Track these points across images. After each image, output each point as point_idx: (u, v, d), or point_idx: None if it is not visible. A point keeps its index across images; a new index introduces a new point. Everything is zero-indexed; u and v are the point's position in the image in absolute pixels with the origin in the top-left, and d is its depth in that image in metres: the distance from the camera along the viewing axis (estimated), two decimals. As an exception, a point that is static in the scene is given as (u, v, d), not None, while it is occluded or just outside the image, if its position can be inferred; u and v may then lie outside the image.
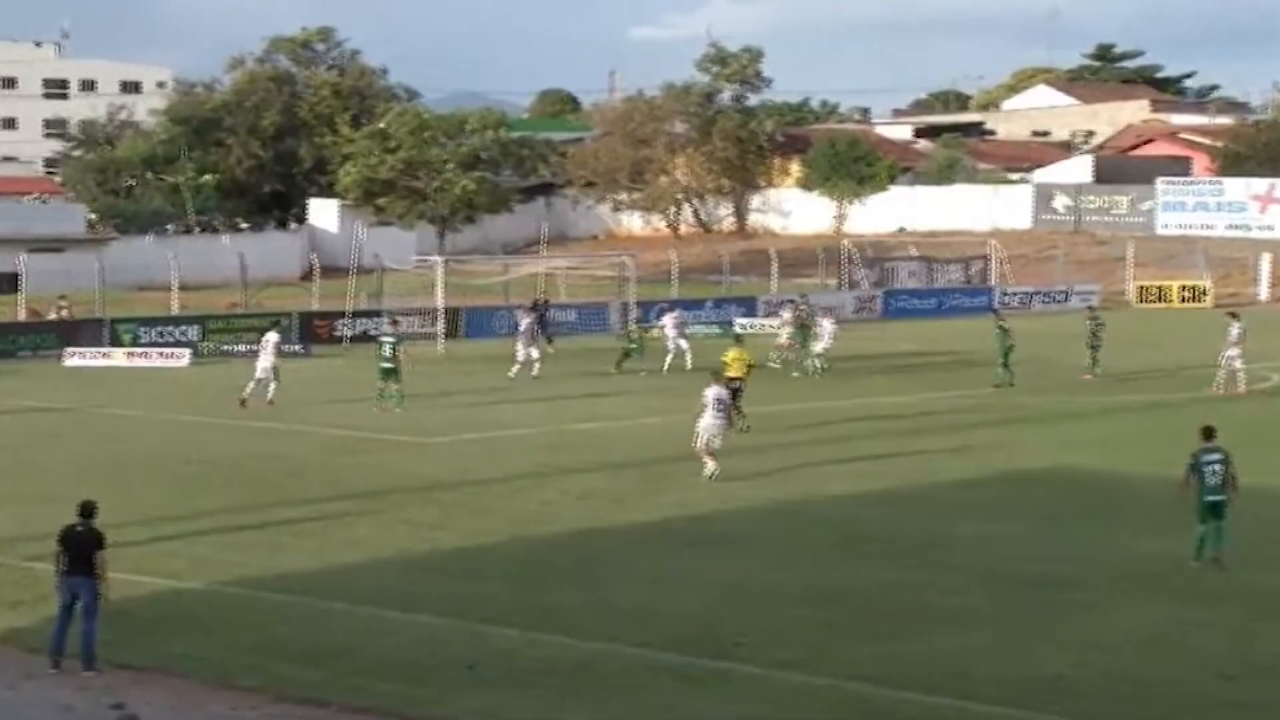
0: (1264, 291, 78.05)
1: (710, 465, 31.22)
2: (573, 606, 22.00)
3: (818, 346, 48.24)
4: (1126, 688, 18.77)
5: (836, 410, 40.75)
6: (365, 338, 56.90)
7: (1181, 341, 55.23)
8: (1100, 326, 48.04)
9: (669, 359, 48.50)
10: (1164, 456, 34.07)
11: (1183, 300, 75.52)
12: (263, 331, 55.64)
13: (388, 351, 40.88)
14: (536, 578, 23.66)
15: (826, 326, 48.76)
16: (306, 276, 72.07)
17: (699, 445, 31.37)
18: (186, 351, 52.88)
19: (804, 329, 49.86)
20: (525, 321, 48.72)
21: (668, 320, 50.79)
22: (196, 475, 31.76)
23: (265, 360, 42.16)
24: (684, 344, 48.97)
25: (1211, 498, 24.41)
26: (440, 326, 56.52)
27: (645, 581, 23.47)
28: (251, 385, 41.32)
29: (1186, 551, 24.90)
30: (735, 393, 35.30)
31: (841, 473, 32.11)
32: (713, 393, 31.74)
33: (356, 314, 58.62)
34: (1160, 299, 75.88)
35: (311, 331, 57.21)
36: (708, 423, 31.35)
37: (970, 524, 27.45)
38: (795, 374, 47.28)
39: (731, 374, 35.95)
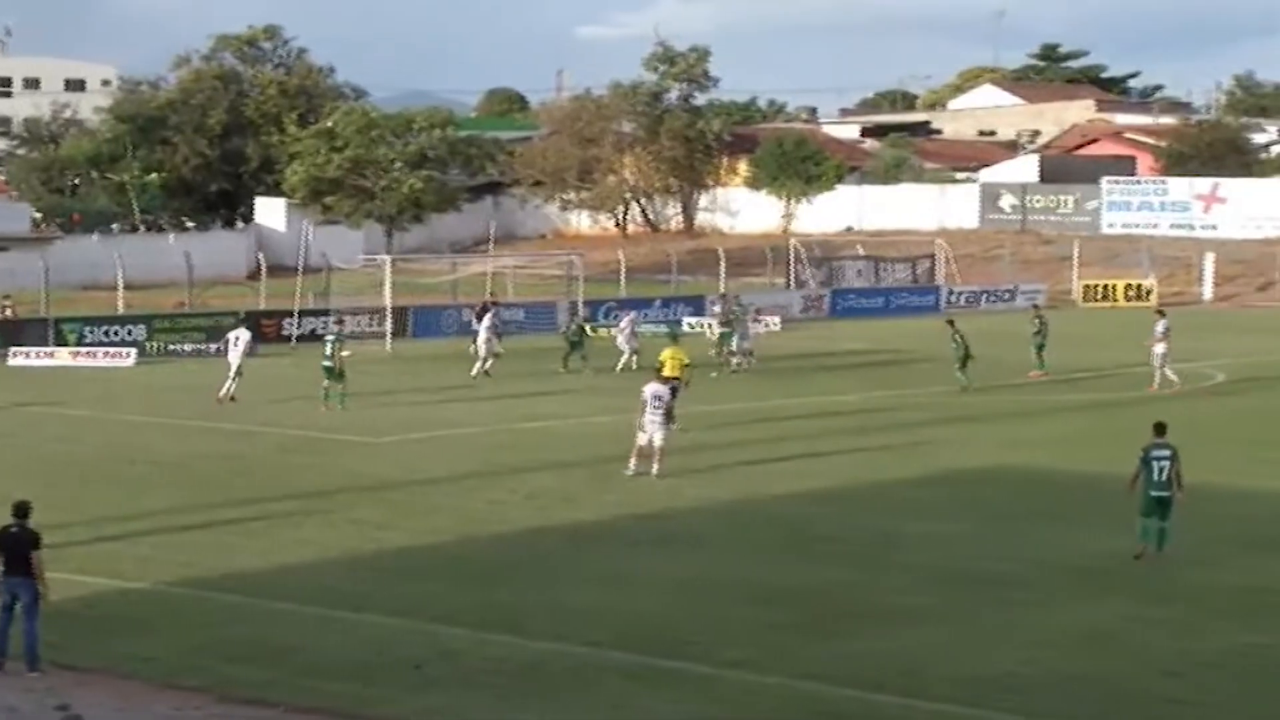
0: (1208, 291, 78.59)
1: (634, 464, 31.34)
2: (521, 606, 21.97)
3: (735, 344, 48.27)
4: (1073, 684, 18.86)
5: (785, 409, 40.83)
6: (313, 337, 56.65)
7: (1126, 341, 55.46)
8: (1045, 325, 48.41)
9: (622, 360, 48.36)
10: (1109, 455, 34.28)
11: (1128, 299, 75.94)
12: (216, 331, 55.60)
13: (328, 350, 40.83)
14: (485, 577, 23.61)
15: (751, 327, 48.81)
16: (253, 276, 71.68)
17: (638, 443, 31.50)
18: (132, 351, 52.55)
19: (728, 325, 49.43)
20: (486, 321, 48.16)
21: (625, 322, 50.54)
22: (142, 475, 31.59)
23: (235, 357, 42.32)
24: (634, 345, 48.78)
25: (1156, 493, 24.71)
26: (388, 326, 56.35)
27: (594, 581, 23.46)
28: (230, 383, 41.56)
29: (1130, 548, 25.19)
30: (672, 392, 35.48)
31: (791, 471, 32.16)
32: (650, 390, 31.90)
33: (304, 313, 58.36)
34: (1106, 298, 76.27)
35: (258, 331, 56.84)
36: (646, 420, 31.46)
37: (918, 523, 27.54)
38: (713, 374, 45.89)
39: (667, 374, 36.09)
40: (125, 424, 38.59)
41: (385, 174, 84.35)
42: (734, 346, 48.55)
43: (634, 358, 48.14)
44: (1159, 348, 44.99)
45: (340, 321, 48.78)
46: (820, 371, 49.19)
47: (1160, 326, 45.23)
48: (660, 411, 31.57)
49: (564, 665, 19.47)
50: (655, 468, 31.28)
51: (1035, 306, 53.45)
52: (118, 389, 45.32)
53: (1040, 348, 47.85)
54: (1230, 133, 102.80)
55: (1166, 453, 24.92)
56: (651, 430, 31.41)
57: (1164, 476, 24.71)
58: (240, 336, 43.59)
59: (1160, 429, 25.36)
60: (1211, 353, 52.87)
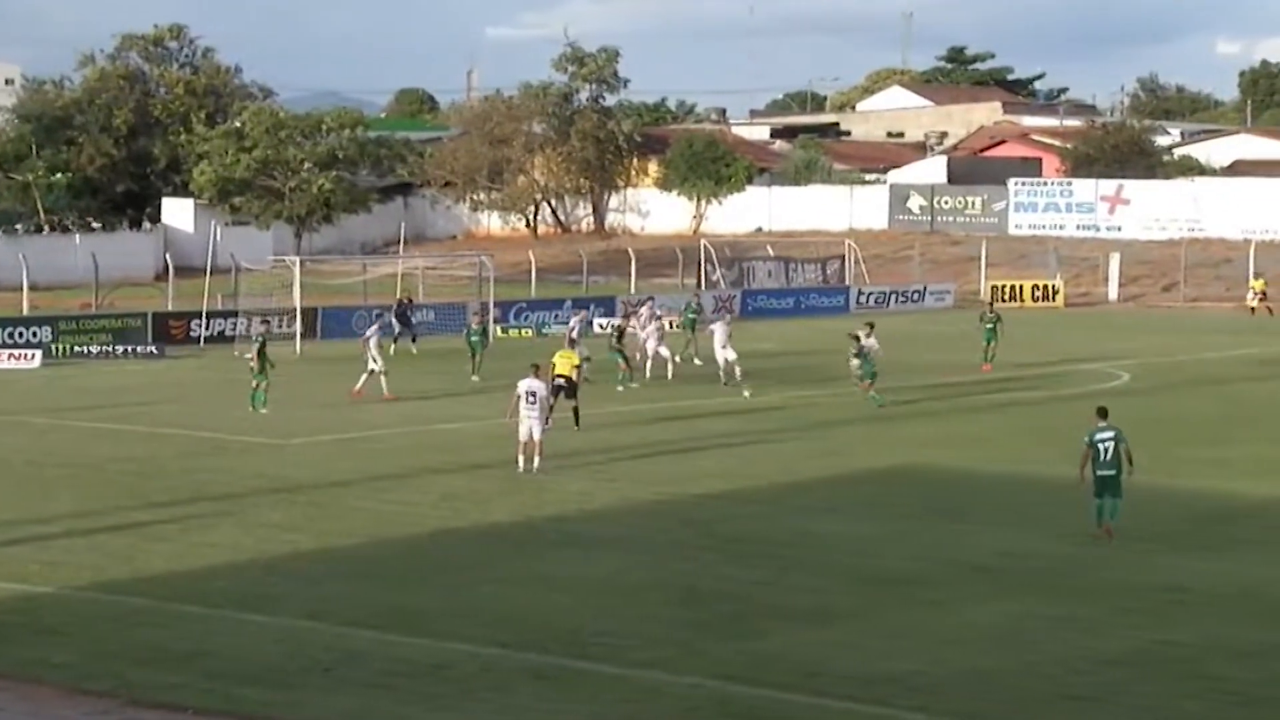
0: (1113, 291, 79.43)
1: (522, 463, 31.53)
2: (432, 608, 21.93)
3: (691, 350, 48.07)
4: (980, 683, 19.00)
5: (699, 409, 40.94)
6: (221, 338, 56.41)
7: (1034, 341, 56.01)
8: (996, 321, 49.96)
9: (669, 366, 47.25)
10: (1018, 454, 34.74)
11: (1035, 300, 76.65)
12: (122, 333, 55.17)
13: (255, 351, 40.83)
14: (396, 579, 23.55)
15: (651, 334, 47.92)
16: (161, 277, 71.20)
17: (520, 439, 31.72)
18: (37, 353, 52.03)
19: (620, 333, 47.39)
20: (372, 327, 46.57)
21: (645, 316, 49.81)
22: (49, 478, 31.29)
23: (374, 353, 42.68)
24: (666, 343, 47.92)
25: (1103, 472, 25.97)
26: (297, 327, 56.07)
27: (506, 582, 23.45)
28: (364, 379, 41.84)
29: (1041, 547, 25.67)
30: (559, 391, 36.17)
31: (704, 472, 32.26)
32: (524, 385, 32.11)
33: (211, 315, 57.99)
34: (1013, 298, 76.93)
35: (166, 332, 56.53)
36: (522, 415, 31.70)
37: (830, 522, 27.69)
38: (620, 388, 44.43)
39: (559, 372, 36.52)
40: (31, 427, 38.21)
41: (294, 174, 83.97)
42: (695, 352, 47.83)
43: (669, 361, 46.86)
44: None
45: (265, 322, 48.06)
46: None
47: None
48: (535, 407, 31.77)
49: (475, 666, 19.45)
50: (536, 463, 31.56)
51: (990, 304, 54.22)
52: (23, 391, 44.87)
53: (990, 341, 49.54)
54: (1134, 135, 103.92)
55: (1110, 434, 26.06)
56: (530, 425, 31.68)
57: (1109, 457, 25.93)
58: (369, 335, 44.08)
59: (1103, 413, 26.52)
60: (1117, 353, 53.47)
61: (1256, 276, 74.85)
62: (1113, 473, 25.99)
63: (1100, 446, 26.05)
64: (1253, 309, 72.45)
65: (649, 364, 46.97)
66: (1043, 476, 32.19)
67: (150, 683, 18.71)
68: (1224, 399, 43.40)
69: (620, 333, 46.90)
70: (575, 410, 36.89)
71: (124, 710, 17.92)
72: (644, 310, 49.93)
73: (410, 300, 58.98)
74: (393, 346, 54.68)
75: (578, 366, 37.68)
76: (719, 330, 46.70)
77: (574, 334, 46.54)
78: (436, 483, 31.00)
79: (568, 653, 19.93)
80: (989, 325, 50.17)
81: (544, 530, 27.06)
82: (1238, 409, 41.73)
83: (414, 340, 55.67)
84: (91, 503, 28.75)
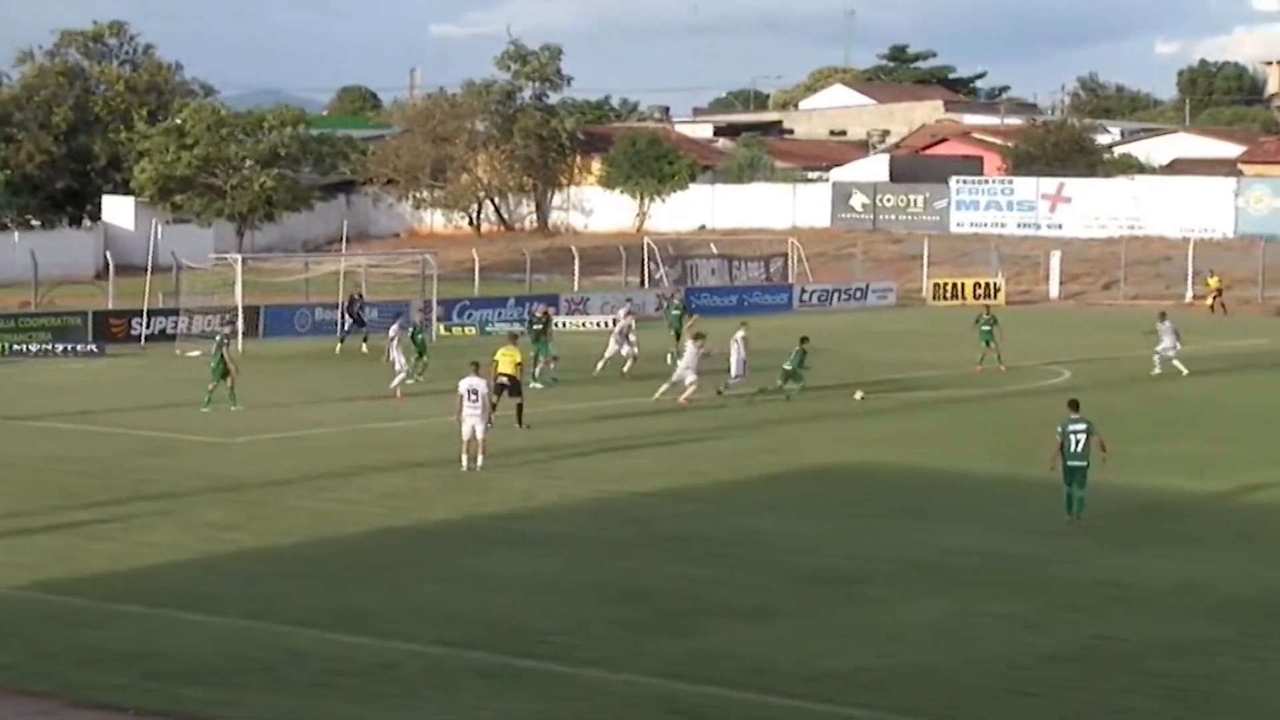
0: (1054, 289, 79.87)
1: (465, 461, 31.64)
2: (375, 607, 21.88)
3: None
4: (924, 679, 19.10)
5: (644, 407, 40.94)
6: (162, 337, 56.10)
7: (975, 338, 56.20)
8: (994, 323, 49.67)
9: (628, 364, 47.09)
10: (960, 452, 34.92)
11: (977, 297, 76.93)
12: (62, 331, 54.77)
13: (215, 350, 40.69)
14: (338, 578, 23.49)
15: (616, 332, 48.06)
16: (101, 275, 70.77)
17: (463, 437, 31.81)
18: (-25, 351, 51.67)
19: (541, 334, 46.83)
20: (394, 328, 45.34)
21: (624, 316, 49.63)
22: (-13, 478, 31.05)
23: (395, 353, 42.51)
24: (633, 341, 47.77)
25: (1072, 463, 26.98)
26: (239, 325, 55.80)
27: (448, 581, 23.42)
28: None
29: (982, 544, 25.93)
30: (502, 389, 36.29)
31: (649, 470, 32.28)
32: (465, 384, 32.24)
33: (153, 313, 57.65)
34: (955, 296, 77.27)
35: (106, 331, 56.18)
36: (464, 414, 31.80)
37: (775, 520, 27.75)
38: (535, 384, 43.55)
39: (501, 370, 36.69)
40: (-30, 426, 37.91)
41: (236, 172, 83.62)
42: (626, 351, 47.20)
43: (631, 359, 46.82)
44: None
45: (229, 323, 47.46)
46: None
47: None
48: (477, 405, 31.84)
49: (418, 665, 19.42)
50: (479, 460, 31.64)
51: (987, 307, 54.00)
52: (-38, 390, 44.47)
53: (988, 342, 48.97)
54: (1075, 134, 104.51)
55: (1081, 427, 27.03)
56: (472, 423, 31.76)
57: (1079, 448, 26.90)
58: (393, 332, 43.89)
59: (1074, 405, 27.51)
60: (1057, 351, 53.77)
61: (1212, 274, 75.14)
62: (1083, 464, 26.90)
63: (1071, 438, 26.98)
64: (1211, 306, 72.90)
65: (601, 362, 46.92)
66: (983, 473, 32.42)
67: (91, 683, 18.60)
68: (1162, 396, 43.71)
69: (545, 324, 47.24)
70: (519, 408, 36.87)
71: (65, 711, 17.81)
72: (623, 310, 50.43)
73: (360, 296, 58.76)
74: (338, 346, 54.66)
75: (520, 365, 37.65)
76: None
77: (624, 329, 47.14)
78: (378, 481, 30.93)
79: (511, 651, 19.92)
80: (985, 327, 49.58)
81: (486, 529, 27.03)
82: (1175, 406, 42.04)
83: (365, 340, 55.54)
84: (30, 502, 28.55)
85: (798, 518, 28.08)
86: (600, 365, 46.78)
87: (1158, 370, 47.94)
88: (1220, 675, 19.42)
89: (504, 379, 36.81)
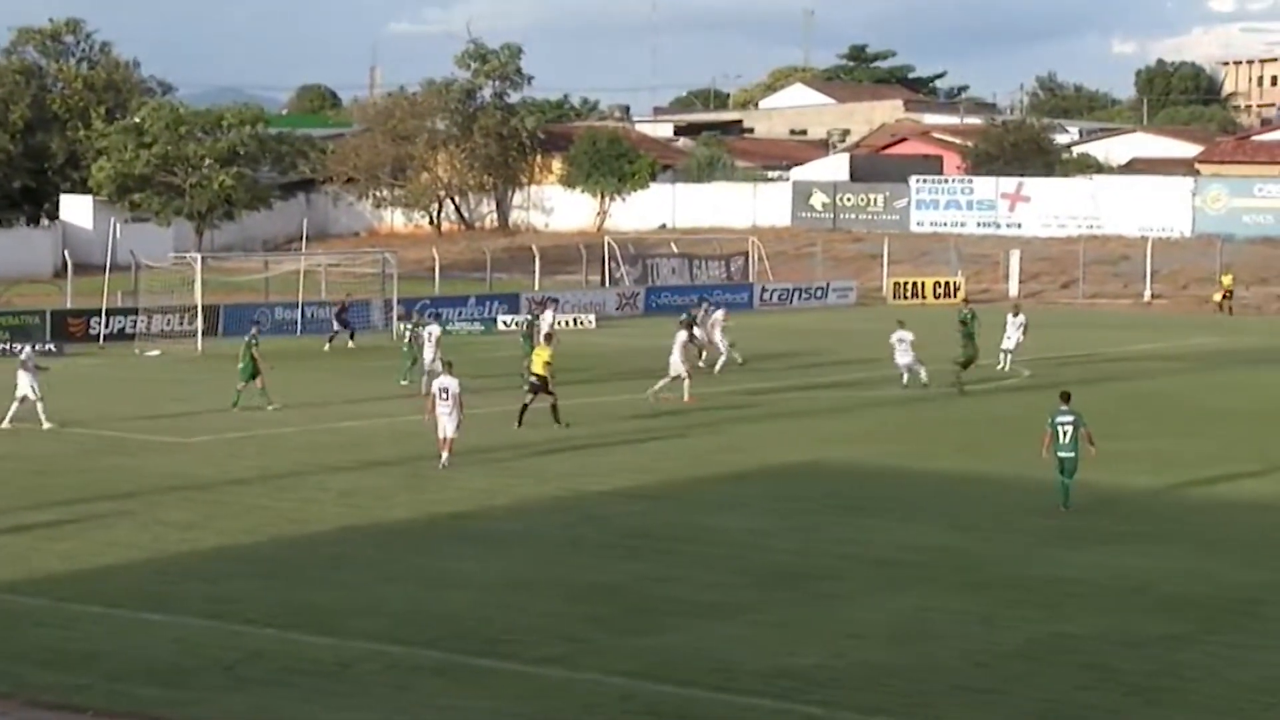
0: (1013, 288, 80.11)
1: (445, 457, 31.74)
2: (333, 606, 21.84)
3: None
4: (883, 676, 19.14)
5: (604, 407, 40.94)
6: (121, 336, 55.88)
7: (937, 337, 56.37)
8: (972, 318, 48.23)
9: (721, 360, 47.76)
10: (919, 449, 35.03)
11: (936, 296, 77.17)
12: (20, 330, 54.45)
13: (244, 352, 40.42)
14: (297, 577, 23.45)
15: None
16: (59, 274, 70.43)
17: (439, 436, 31.96)
18: (-67, 351, 51.34)
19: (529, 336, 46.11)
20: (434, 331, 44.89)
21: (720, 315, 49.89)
22: (-56, 478, 30.88)
23: (429, 352, 42.26)
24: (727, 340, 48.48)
25: (1063, 454, 27.80)
26: (199, 325, 55.64)
27: (407, 579, 23.39)
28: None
29: (937, 540, 26.06)
30: (535, 390, 36.84)
31: (609, 469, 32.30)
32: (438, 383, 32.58)
33: (111, 312, 57.43)
34: (915, 295, 77.46)
35: (65, 330, 55.92)
36: (438, 413, 32.00)
37: (732, 518, 27.79)
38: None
39: (532, 370, 37.29)
40: (-74, 426, 37.67)
41: (195, 171, 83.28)
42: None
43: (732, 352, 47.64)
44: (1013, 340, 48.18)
45: (256, 323, 46.77)
46: (637, 369, 49.28)
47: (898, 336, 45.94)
48: (448, 403, 31.97)
49: (377, 665, 19.39)
50: (444, 457, 31.77)
51: (965, 302, 53.35)
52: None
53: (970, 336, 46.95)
54: (1033, 133, 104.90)
55: (1070, 418, 27.84)
56: (444, 421, 31.93)
57: (1068, 440, 27.71)
58: (432, 331, 43.96)
59: (1065, 397, 28.36)
60: (1017, 349, 53.87)
61: (1225, 273, 75.21)
62: (1071, 454, 27.72)
63: (1060, 429, 27.81)
64: (1220, 306, 73.07)
65: (722, 359, 47.75)
66: (943, 470, 32.52)
67: (49, 684, 18.52)
68: (1120, 394, 43.88)
69: (530, 326, 47.15)
70: (553, 407, 36.86)
71: (22, 711, 17.73)
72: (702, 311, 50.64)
73: (348, 305, 58.81)
74: (327, 344, 54.67)
75: (549, 364, 37.60)
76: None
77: (547, 327, 46.35)
78: (338, 480, 30.88)
79: (469, 650, 19.91)
80: (966, 324, 48.75)
81: (446, 527, 27.01)
82: (1134, 403, 42.22)
83: (351, 336, 55.98)
84: (-13, 502, 28.40)
85: (758, 515, 28.12)
86: (718, 366, 47.31)
87: (1003, 366, 48.15)
88: (1178, 671, 19.51)
89: (534, 379, 37.06)
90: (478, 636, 20.50)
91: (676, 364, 41.54)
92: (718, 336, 48.82)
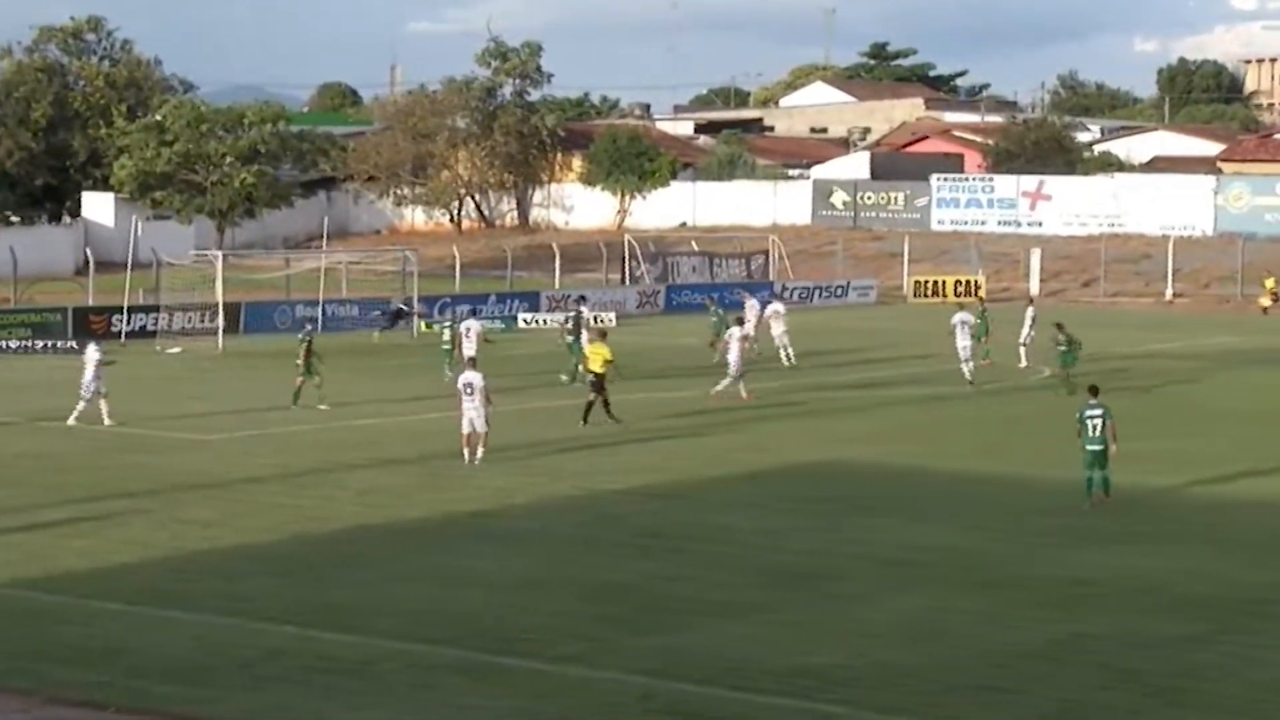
0: (1034, 286, 79.96)
1: (467, 455, 31.89)
2: (353, 604, 21.89)
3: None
4: (901, 676, 19.13)
5: (622, 405, 40.89)
6: (142, 333, 56.01)
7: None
8: (983, 313, 48.84)
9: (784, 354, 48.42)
10: (937, 449, 35.00)
11: (957, 295, 76.98)
12: (42, 328, 54.65)
13: (301, 349, 40.36)
14: (315, 575, 23.49)
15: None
16: (81, 271, 70.62)
17: (463, 431, 32.07)
18: (-45, 348, 51.54)
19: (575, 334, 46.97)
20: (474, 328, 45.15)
21: (753, 313, 50.25)
22: (-34, 475, 30.98)
23: (469, 349, 42.28)
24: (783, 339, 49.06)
25: (1092, 447, 28.25)
26: (220, 322, 55.76)
27: (426, 578, 23.43)
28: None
29: (951, 541, 26.09)
30: (595, 387, 37.06)
31: (627, 468, 32.31)
32: (462, 379, 32.77)
33: (133, 310, 57.60)
34: (936, 294, 77.40)
35: (86, 327, 56.06)
36: (464, 409, 32.04)
37: (748, 518, 27.79)
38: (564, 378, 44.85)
39: (590, 367, 37.53)
40: (-52, 423, 37.83)
41: (216, 169, 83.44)
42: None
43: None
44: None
45: (312, 321, 46.78)
46: (658, 368, 49.34)
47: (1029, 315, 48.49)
48: (474, 399, 32.07)
49: (397, 663, 19.43)
50: (479, 453, 31.91)
51: (980, 299, 52.51)
52: (-60, 387, 44.36)
53: (1067, 363, 44.18)
54: (1055, 131, 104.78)
55: (1098, 412, 28.35)
56: (471, 416, 32.01)
57: (1098, 433, 28.22)
58: (471, 327, 44.18)
59: (1094, 391, 29.03)
60: (1036, 348, 53.78)
61: (1268, 275, 74.95)
62: (1100, 447, 28.14)
63: (1089, 423, 28.28)
64: (1265, 308, 72.73)
65: (784, 352, 48.38)
66: (959, 470, 32.49)
67: (69, 681, 18.58)
68: (1141, 393, 43.78)
69: (577, 325, 47.03)
70: (605, 403, 37.06)
71: (43, 709, 17.79)
72: (753, 308, 50.89)
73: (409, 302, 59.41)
74: (377, 335, 56.13)
75: (610, 362, 37.65)
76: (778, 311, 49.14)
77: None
78: (356, 478, 30.93)
79: (488, 648, 19.94)
80: (979, 321, 48.12)
81: (463, 525, 27.05)
82: (1150, 403, 42.13)
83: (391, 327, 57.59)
84: (7, 499, 28.51)
85: (774, 515, 28.12)
86: (788, 360, 47.81)
87: (1024, 363, 48.56)
88: (1194, 671, 19.49)
89: (594, 376, 37.30)
90: (496, 635, 20.53)
91: (735, 362, 41.62)
92: (776, 329, 48.87)
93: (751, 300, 53.21)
